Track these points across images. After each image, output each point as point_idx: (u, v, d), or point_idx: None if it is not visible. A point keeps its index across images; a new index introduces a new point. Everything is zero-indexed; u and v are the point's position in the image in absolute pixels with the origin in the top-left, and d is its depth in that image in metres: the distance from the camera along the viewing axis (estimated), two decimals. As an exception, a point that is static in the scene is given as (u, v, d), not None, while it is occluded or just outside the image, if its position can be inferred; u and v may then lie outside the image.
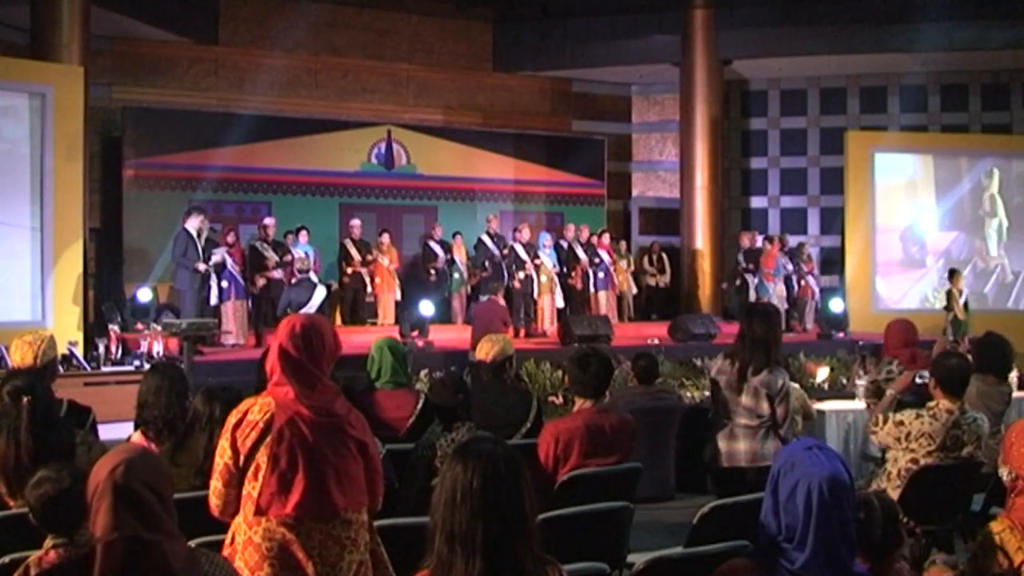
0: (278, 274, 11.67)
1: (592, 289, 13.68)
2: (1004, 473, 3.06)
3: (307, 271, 10.91)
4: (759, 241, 14.45)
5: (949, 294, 12.73)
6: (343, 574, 2.83)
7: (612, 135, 17.10)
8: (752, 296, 13.68)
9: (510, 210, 15.71)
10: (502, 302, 10.97)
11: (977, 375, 5.01)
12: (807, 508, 2.25)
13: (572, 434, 4.31)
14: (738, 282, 14.15)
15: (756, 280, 13.71)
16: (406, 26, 15.79)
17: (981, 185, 15.23)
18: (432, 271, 13.60)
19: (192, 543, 2.81)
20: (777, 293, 13.89)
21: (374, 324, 12.79)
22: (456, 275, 13.58)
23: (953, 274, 12.93)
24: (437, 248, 13.65)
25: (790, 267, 14.24)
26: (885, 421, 4.55)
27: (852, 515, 2.32)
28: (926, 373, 4.71)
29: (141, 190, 13.34)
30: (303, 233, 12.12)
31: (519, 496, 2.14)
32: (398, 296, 13.10)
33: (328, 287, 12.99)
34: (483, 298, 11.16)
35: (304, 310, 10.58)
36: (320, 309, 10.76)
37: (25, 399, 3.54)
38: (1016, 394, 6.64)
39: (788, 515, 2.29)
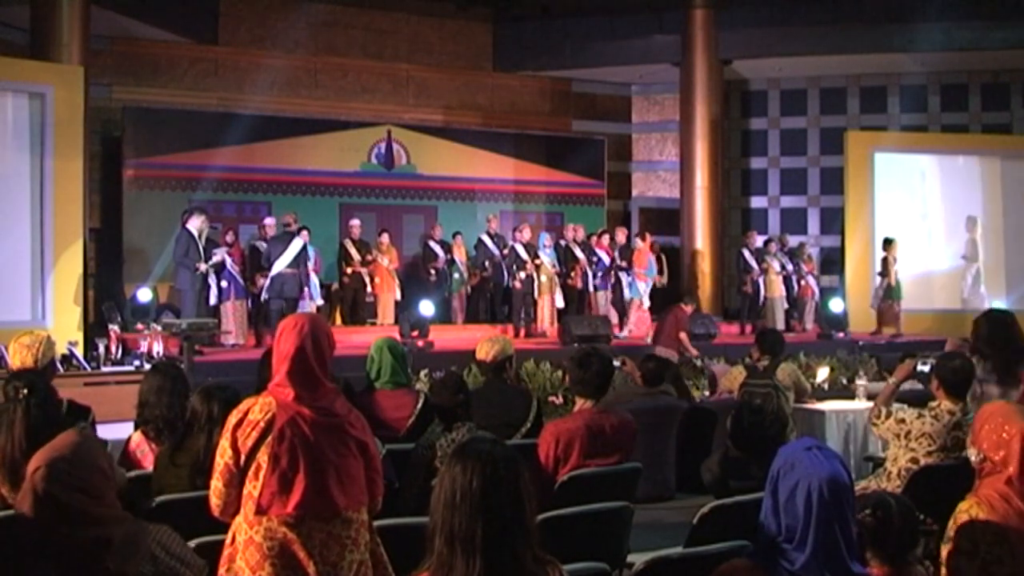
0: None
1: (592, 289, 13.68)
2: (972, 455, 3.08)
3: (288, 224, 11.23)
4: (759, 241, 14.46)
5: (885, 261, 13.36)
6: (344, 573, 2.82)
7: (612, 135, 17.09)
8: (626, 295, 13.28)
9: (510, 210, 15.70)
10: (688, 309, 11.18)
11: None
12: (807, 509, 2.25)
13: (572, 434, 4.31)
14: (613, 280, 13.65)
15: (629, 279, 13.30)
16: (406, 26, 15.78)
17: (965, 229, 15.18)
18: (432, 271, 13.60)
19: (192, 543, 2.82)
20: (772, 293, 13.86)
21: (374, 324, 12.78)
22: (456, 275, 13.58)
23: (888, 243, 13.50)
24: (437, 248, 13.65)
25: (790, 267, 14.24)
26: (888, 416, 4.54)
27: (852, 515, 2.32)
28: (929, 362, 4.69)
29: (141, 190, 13.33)
30: (303, 233, 12.11)
31: (518, 496, 2.14)
32: (398, 296, 13.10)
33: (328, 287, 13.04)
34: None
35: (281, 259, 10.95)
36: (295, 301, 10.95)
37: (22, 392, 3.55)
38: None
39: (788, 516, 2.29)
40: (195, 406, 3.84)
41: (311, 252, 12.04)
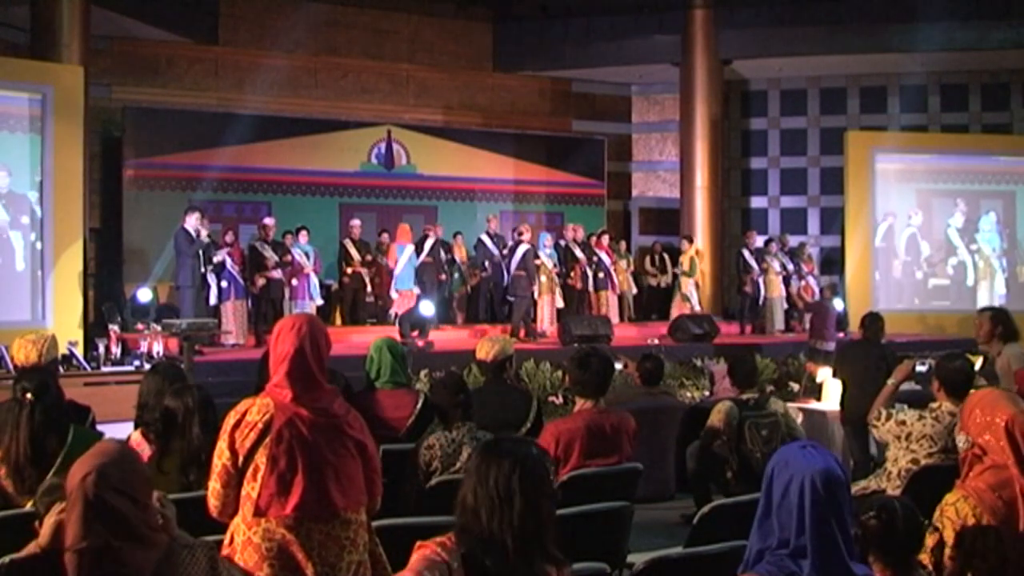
0: (278, 274, 11.68)
1: (592, 289, 13.67)
2: (961, 440, 3.07)
3: (520, 234, 12.62)
4: (759, 241, 14.44)
5: (690, 260, 14.00)
6: (342, 574, 2.82)
7: (612, 135, 17.09)
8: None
9: (510, 210, 15.71)
10: (836, 304, 11.54)
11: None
12: (800, 506, 2.23)
13: (573, 434, 4.31)
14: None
15: None
16: (406, 26, 15.78)
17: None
18: (432, 271, 13.56)
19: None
20: (772, 293, 13.83)
21: (374, 324, 12.77)
22: (456, 275, 13.56)
23: (691, 240, 14.34)
24: (437, 248, 13.62)
25: (790, 267, 14.23)
26: (888, 418, 4.53)
27: (849, 513, 2.29)
28: (928, 362, 4.68)
29: (141, 190, 13.33)
30: (303, 233, 12.11)
31: (551, 492, 2.22)
32: (398, 296, 13.07)
33: (328, 287, 13.03)
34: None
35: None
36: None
37: (28, 396, 3.56)
38: None
39: (782, 514, 2.27)
40: (169, 405, 3.85)
41: (311, 252, 12.05)
